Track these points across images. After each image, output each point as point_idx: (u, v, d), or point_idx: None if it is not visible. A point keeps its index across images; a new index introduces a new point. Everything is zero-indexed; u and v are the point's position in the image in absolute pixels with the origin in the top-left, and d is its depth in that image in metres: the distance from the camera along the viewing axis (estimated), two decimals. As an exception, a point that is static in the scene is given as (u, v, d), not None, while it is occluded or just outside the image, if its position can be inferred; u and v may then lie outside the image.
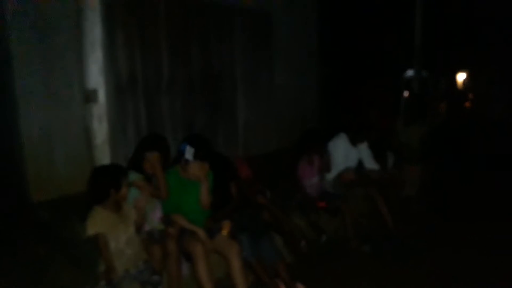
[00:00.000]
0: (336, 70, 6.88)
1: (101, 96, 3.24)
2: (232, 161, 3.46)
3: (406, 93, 6.00)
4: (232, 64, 5.20)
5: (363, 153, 4.02)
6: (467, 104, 11.28)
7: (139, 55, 4.32)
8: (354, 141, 3.95)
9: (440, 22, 8.07)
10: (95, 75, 3.22)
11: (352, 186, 3.91)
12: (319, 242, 3.55)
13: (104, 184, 2.43)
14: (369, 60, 7.33)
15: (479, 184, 5.24)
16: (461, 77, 11.41)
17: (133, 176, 2.65)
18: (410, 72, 6.21)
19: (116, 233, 2.40)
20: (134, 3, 4.19)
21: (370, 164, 4.01)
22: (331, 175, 3.89)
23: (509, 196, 4.77)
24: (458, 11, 8.89)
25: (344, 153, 3.88)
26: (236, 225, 2.89)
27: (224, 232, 2.75)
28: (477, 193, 4.89)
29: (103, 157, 3.12)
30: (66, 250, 2.86)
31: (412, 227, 3.89)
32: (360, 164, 4.02)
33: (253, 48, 5.36)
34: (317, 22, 6.09)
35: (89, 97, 3.28)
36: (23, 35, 3.32)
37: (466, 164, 5.94)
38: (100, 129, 3.06)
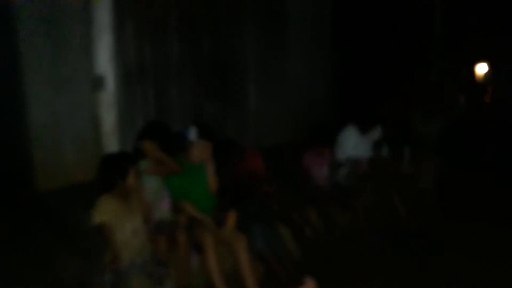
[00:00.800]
0: (351, 60, 6.69)
1: (110, 83, 3.20)
2: (238, 146, 3.39)
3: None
4: (243, 51, 5.10)
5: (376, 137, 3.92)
6: (487, 98, 10.89)
7: (148, 42, 4.27)
8: (364, 130, 3.84)
9: (463, 12, 7.78)
10: (104, 62, 3.18)
11: (365, 178, 3.80)
12: (330, 236, 3.47)
13: (111, 173, 2.39)
14: (387, 48, 7.11)
15: (494, 183, 5.03)
16: (481, 68, 11.00)
17: (144, 165, 2.63)
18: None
19: (122, 223, 2.36)
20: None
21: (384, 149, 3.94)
22: (344, 168, 3.79)
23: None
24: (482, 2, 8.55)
25: (354, 144, 3.79)
26: (246, 215, 2.85)
27: (230, 223, 2.73)
28: (492, 193, 4.70)
29: (111, 144, 3.09)
30: (72, 239, 2.85)
31: (426, 221, 3.77)
32: (375, 153, 3.90)
33: (266, 35, 5.24)
34: (332, 7, 5.92)
35: (97, 84, 3.24)
36: (31, 22, 3.30)
37: (482, 162, 5.73)
38: (108, 117, 3.03)
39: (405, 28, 6.65)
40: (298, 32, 5.50)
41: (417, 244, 3.36)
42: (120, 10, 3.93)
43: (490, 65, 11.34)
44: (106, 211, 2.32)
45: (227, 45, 4.90)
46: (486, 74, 11.44)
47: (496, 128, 7.93)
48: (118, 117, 3.30)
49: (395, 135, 4.11)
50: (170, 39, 4.40)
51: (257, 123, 5.38)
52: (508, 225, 3.75)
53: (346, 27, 6.26)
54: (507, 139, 6.97)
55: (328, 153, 3.70)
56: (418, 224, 3.63)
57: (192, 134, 2.71)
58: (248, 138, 5.30)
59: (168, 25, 4.36)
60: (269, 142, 5.43)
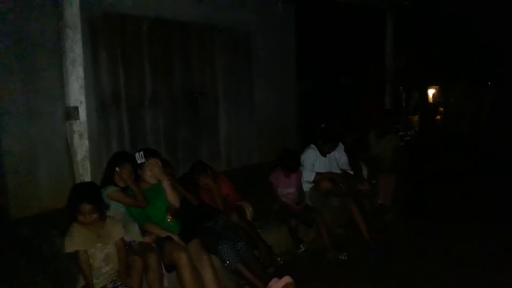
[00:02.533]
0: (314, 87, 7.13)
1: (82, 113, 3.28)
2: (204, 166, 3.52)
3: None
4: (213, 81, 5.36)
5: (333, 163, 4.17)
6: (438, 117, 11.75)
7: (122, 73, 4.44)
8: (323, 152, 4.11)
9: (411, 39, 8.50)
10: (76, 93, 3.26)
11: (328, 195, 4.05)
12: (297, 253, 3.63)
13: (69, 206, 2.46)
14: (344, 77, 7.66)
15: (450, 195, 5.46)
16: (431, 92, 11.91)
17: (110, 190, 2.74)
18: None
19: (93, 251, 2.43)
20: (117, 23, 4.32)
21: (345, 167, 4.19)
22: (307, 186, 4.02)
23: (478, 206, 5.01)
24: (429, 28, 9.37)
25: (312, 162, 4.02)
26: (213, 235, 2.93)
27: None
28: (449, 204, 5.11)
29: (84, 173, 3.15)
30: (46, 265, 2.88)
31: (387, 236, 4.02)
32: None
33: (234, 66, 5.55)
34: (295, 40, 6.33)
35: (70, 114, 3.32)
36: (3, 53, 3.38)
37: (438, 176, 6.21)
38: (81, 146, 3.10)
39: (361, 57, 7.21)
40: (264, 62, 5.85)
41: (378, 259, 3.57)
42: (93, 42, 4.09)
43: (440, 88, 12.38)
44: (77, 239, 2.38)
45: (198, 75, 5.14)
46: (437, 96, 12.43)
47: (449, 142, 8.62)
48: (90, 146, 3.38)
49: (352, 155, 4.40)
50: (144, 69, 4.58)
51: (227, 147, 5.59)
52: (465, 231, 4.11)
53: (309, 56, 6.70)
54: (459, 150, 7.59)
55: (295, 175, 3.85)
56: (378, 239, 3.84)
57: (139, 158, 2.85)
58: (219, 161, 5.50)
59: (142, 56, 4.55)
60: (239, 165, 5.64)
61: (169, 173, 3.07)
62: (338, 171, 4.17)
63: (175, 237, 2.76)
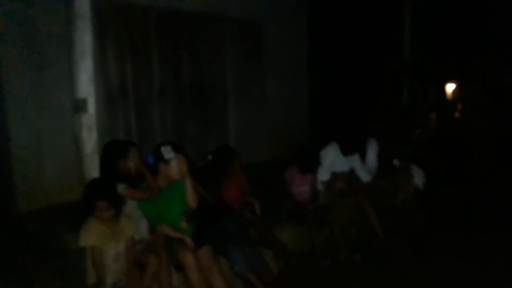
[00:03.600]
0: (327, 81, 6.95)
1: (91, 105, 3.24)
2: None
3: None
4: (223, 74, 5.24)
5: (355, 163, 4.04)
6: (457, 114, 11.46)
7: (130, 65, 4.35)
8: (344, 152, 3.96)
9: (430, 34, 8.24)
10: (85, 85, 3.22)
11: (342, 195, 3.93)
12: (310, 253, 3.52)
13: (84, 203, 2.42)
14: (361, 71, 7.46)
15: (467, 195, 5.27)
16: (450, 87, 11.60)
17: (119, 188, 2.60)
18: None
19: (105, 248, 2.40)
20: (125, 14, 4.24)
21: (361, 173, 4.04)
22: (321, 185, 3.91)
23: (493, 207, 4.81)
24: (448, 24, 9.09)
25: (332, 161, 3.89)
26: (224, 237, 2.85)
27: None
28: (466, 205, 4.91)
29: (93, 166, 3.10)
30: (53, 261, 2.84)
31: (404, 237, 3.90)
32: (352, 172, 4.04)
33: (244, 58, 5.42)
34: (308, 32, 6.17)
35: (79, 106, 3.28)
36: (13, 45, 3.34)
37: (455, 175, 6.01)
38: (90, 139, 3.06)
39: (377, 50, 7.00)
40: (275, 54, 5.70)
41: (392, 259, 3.47)
42: (102, 33, 4.02)
43: (458, 84, 12.03)
44: (93, 235, 2.36)
45: (207, 67, 5.03)
46: (455, 93, 12.10)
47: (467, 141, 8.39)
48: (99, 139, 3.34)
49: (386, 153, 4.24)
50: (152, 62, 4.50)
51: (237, 142, 5.48)
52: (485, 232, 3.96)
53: (321, 49, 6.53)
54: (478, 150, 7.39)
55: (311, 176, 3.76)
56: (393, 239, 3.74)
57: (167, 153, 2.68)
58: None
59: (150, 48, 4.45)
60: (249, 160, 5.54)
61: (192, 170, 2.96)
62: (360, 171, 4.03)
63: (188, 240, 2.67)
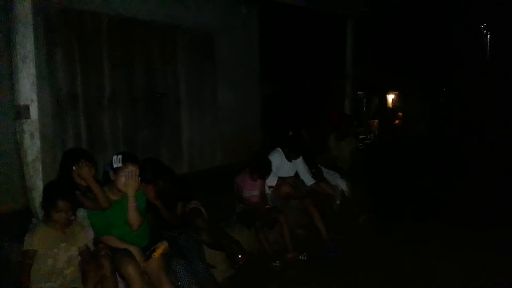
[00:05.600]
0: (279, 89, 7.21)
1: (33, 111, 3.13)
2: (186, 180, 3.45)
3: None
4: (175, 81, 5.30)
5: (299, 168, 4.25)
6: (397, 122, 12.30)
7: (80, 71, 4.28)
8: (288, 157, 4.16)
9: (372, 47, 8.82)
10: (27, 90, 3.11)
11: (289, 198, 4.11)
12: (260, 255, 3.63)
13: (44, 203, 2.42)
14: (310, 81, 7.82)
15: (406, 195, 5.70)
16: (391, 97, 12.46)
17: None
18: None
19: (56, 251, 2.37)
20: (74, 19, 4.17)
21: (305, 177, 4.25)
22: (268, 189, 4.06)
23: (433, 206, 5.25)
24: (389, 35, 9.77)
25: (278, 166, 4.06)
26: (172, 248, 2.79)
27: (156, 254, 2.60)
28: (407, 205, 5.30)
29: (35, 174, 3.00)
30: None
31: (346, 236, 4.16)
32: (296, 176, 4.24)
33: (196, 66, 5.51)
34: (259, 43, 6.38)
35: (21, 112, 3.16)
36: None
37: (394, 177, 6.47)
38: (32, 146, 2.95)
39: (324, 62, 7.39)
40: (227, 63, 5.86)
41: (337, 258, 3.70)
42: (48, 38, 3.92)
43: (398, 94, 12.99)
44: (38, 239, 2.31)
45: (160, 75, 5.06)
46: (396, 101, 13.04)
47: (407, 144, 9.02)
48: (45, 146, 3.25)
49: (312, 157, 4.48)
50: (103, 67, 4.45)
51: (190, 149, 5.53)
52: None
53: (273, 60, 6.78)
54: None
55: (261, 182, 3.87)
56: (338, 239, 3.99)
57: (116, 162, 2.57)
58: (181, 163, 5.43)
59: (101, 53, 4.42)
60: (203, 166, 5.60)
61: (154, 187, 2.91)
62: (304, 175, 4.22)
63: (135, 250, 2.57)
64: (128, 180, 2.57)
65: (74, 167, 2.60)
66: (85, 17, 4.25)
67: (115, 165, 2.59)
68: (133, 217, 2.61)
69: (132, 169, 2.59)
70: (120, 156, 2.61)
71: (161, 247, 2.65)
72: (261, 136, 6.47)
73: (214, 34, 5.68)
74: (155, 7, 4.86)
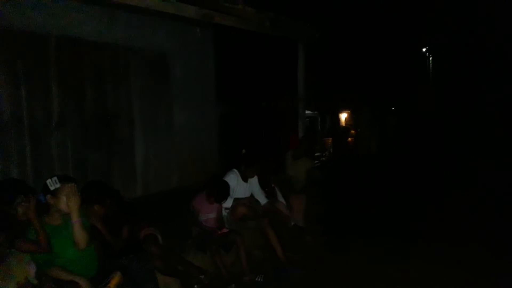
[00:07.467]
0: (235, 111, 7.31)
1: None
2: (131, 203, 3.38)
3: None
4: (128, 103, 5.21)
5: (254, 189, 4.30)
6: (350, 139, 12.86)
7: (25, 92, 4.11)
8: (244, 177, 4.20)
9: (322, 68, 9.23)
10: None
11: (244, 219, 4.11)
12: (216, 278, 3.58)
13: None
14: (265, 102, 8.01)
15: (360, 212, 5.90)
16: (344, 116, 13.05)
17: None
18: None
19: None
20: (18, 40, 4.02)
21: (260, 197, 4.30)
22: (224, 211, 4.05)
23: (386, 221, 5.46)
24: (338, 58, 10.29)
25: (233, 187, 4.05)
26: (124, 277, 2.69)
27: (112, 286, 2.53)
28: (360, 222, 5.47)
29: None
30: None
31: (302, 255, 4.20)
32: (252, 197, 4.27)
33: (150, 88, 5.46)
34: (215, 65, 6.45)
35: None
36: None
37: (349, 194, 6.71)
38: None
39: (278, 84, 7.62)
40: (183, 85, 5.86)
41: (292, 276, 3.73)
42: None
43: (350, 112, 13.66)
44: None
45: (112, 97, 4.96)
46: (348, 120, 13.68)
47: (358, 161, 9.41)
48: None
49: (266, 177, 4.54)
50: (51, 89, 4.31)
51: (144, 171, 5.41)
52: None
53: (229, 81, 6.88)
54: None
55: (218, 205, 3.86)
56: (293, 259, 4.02)
57: (52, 184, 2.50)
58: (135, 186, 5.29)
59: (48, 75, 4.27)
60: (157, 189, 5.48)
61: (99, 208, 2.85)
62: (259, 194, 4.27)
63: (83, 282, 2.47)
64: (69, 197, 2.51)
65: (17, 201, 2.42)
66: (29, 38, 4.12)
67: (52, 188, 2.51)
68: (79, 233, 2.53)
69: (70, 185, 2.55)
70: (55, 178, 2.54)
71: (116, 278, 2.58)
72: (218, 157, 6.47)
73: (168, 55, 5.67)
74: (105, 28, 4.80)
